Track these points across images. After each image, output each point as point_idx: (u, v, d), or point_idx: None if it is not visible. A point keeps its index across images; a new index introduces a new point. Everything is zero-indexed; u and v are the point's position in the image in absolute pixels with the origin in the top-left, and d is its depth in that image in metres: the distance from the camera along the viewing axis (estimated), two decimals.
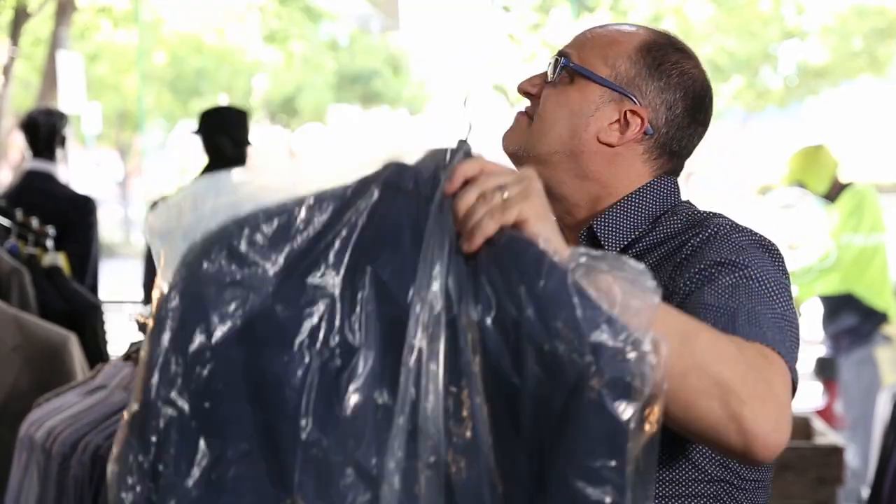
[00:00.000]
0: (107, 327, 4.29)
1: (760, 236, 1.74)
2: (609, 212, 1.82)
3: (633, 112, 1.81)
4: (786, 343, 1.57)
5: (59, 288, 4.02)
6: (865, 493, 4.93)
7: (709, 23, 21.72)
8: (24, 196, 4.95)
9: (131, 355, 2.82)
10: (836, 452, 4.55)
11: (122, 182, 26.25)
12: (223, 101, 24.25)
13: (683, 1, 21.76)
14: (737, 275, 1.64)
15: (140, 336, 2.89)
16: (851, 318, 6.07)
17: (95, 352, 3.88)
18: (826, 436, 4.75)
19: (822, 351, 6.13)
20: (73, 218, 4.94)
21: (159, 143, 28.84)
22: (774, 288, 1.64)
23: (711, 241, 1.71)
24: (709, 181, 25.92)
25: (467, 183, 1.30)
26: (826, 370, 6.31)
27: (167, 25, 21.19)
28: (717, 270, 1.65)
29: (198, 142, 5.01)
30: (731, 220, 1.77)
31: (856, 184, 5.99)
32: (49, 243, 4.14)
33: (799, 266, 5.90)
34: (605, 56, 1.83)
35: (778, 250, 1.74)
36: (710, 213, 1.83)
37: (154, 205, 5.08)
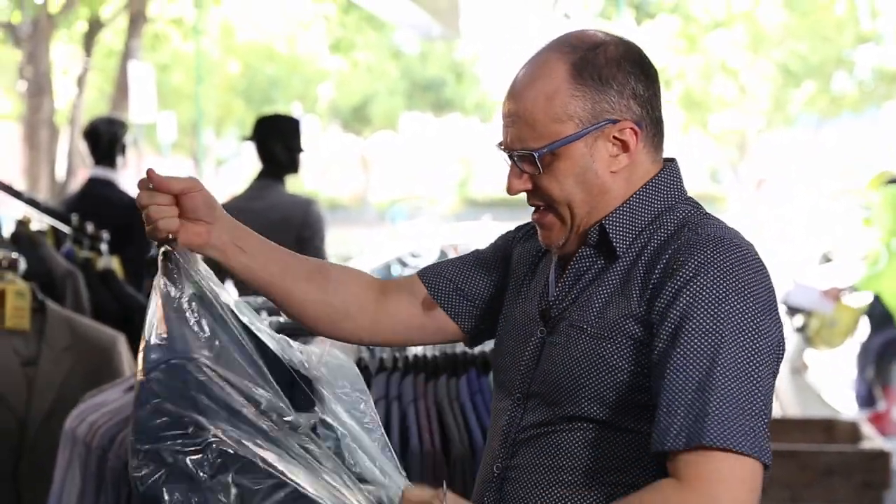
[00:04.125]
0: None
1: (746, 262, 1.76)
2: (619, 211, 1.87)
3: (620, 129, 1.83)
4: (754, 431, 1.65)
5: (113, 290, 4.15)
6: None
7: (781, 27, 21.51)
8: (84, 202, 5.11)
9: None
10: (882, 457, 4.55)
11: None
12: (296, 109, 24.54)
13: (755, 5, 21.54)
14: (712, 341, 1.69)
15: None
16: None
17: None
18: (873, 440, 4.75)
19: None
20: (132, 223, 5.06)
21: (233, 150, 29.27)
22: (751, 346, 1.70)
23: (696, 278, 1.73)
24: (782, 187, 25.68)
25: None
26: (883, 376, 6.27)
27: (240, 35, 21.48)
28: (696, 321, 1.71)
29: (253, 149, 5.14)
30: (718, 244, 1.77)
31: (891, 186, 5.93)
32: (103, 247, 4.27)
33: (865, 274, 5.89)
34: (555, 115, 1.82)
35: (759, 270, 1.77)
36: (704, 222, 1.83)
37: None
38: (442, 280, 2.10)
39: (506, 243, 2.13)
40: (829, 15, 21.54)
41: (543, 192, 1.86)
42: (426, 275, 2.12)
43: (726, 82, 22.46)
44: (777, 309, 1.79)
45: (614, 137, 1.84)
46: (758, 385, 1.69)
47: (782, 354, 1.80)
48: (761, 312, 1.73)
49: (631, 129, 1.84)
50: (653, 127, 1.87)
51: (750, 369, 1.69)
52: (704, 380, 1.67)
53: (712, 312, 1.71)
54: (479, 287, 2.10)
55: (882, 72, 22.68)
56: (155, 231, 1.83)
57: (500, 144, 1.90)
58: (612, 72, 1.82)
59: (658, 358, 1.73)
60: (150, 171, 1.85)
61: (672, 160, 1.95)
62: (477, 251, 2.17)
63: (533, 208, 1.92)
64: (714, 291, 1.72)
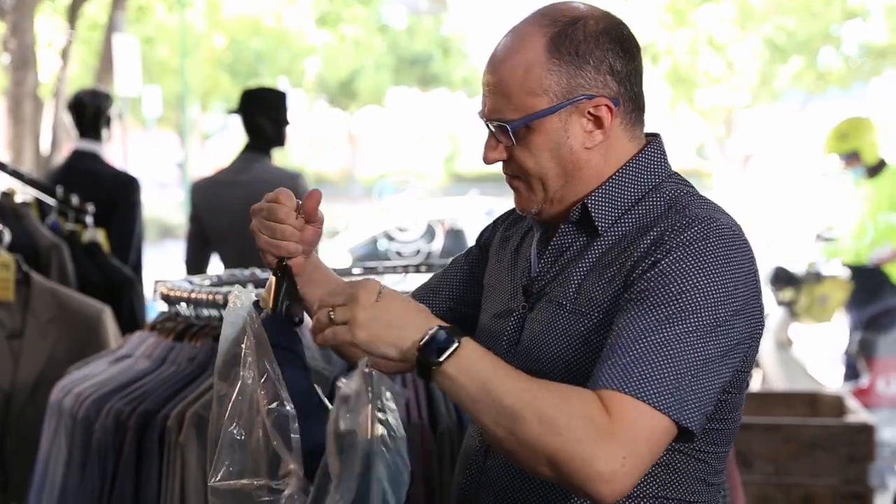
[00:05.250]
0: (145, 301, 4.41)
1: (722, 244, 1.75)
2: (602, 189, 1.87)
3: (595, 106, 1.83)
4: (680, 394, 1.66)
5: (98, 263, 4.14)
6: None
7: (768, 2, 21.47)
8: (70, 175, 5.09)
9: (156, 325, 2.92)
10: (866, 430, 4.57)
11: (182, 164, 26.57)
12: (282, 83, 24.44)
13: None
14: (670, 307, 1.69)
15: (165, 307, 2.99)
16: (892, 298, 6.07)
17: (132, 324, 3.99)
18: (857, 414, 4.77)
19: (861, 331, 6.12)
20: (117, 196, 5.07)
21: (219, 124, 29.16)
22: (704, 324, 1.70)
23: (675, 251, 1.74)
24: (769, 164, 25.68)
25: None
26: (868, 349, 6.30)
27: (226, 8, 21.36)
28: (653, 296, 1.71)
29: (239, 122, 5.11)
30: (703, 223, 1.77)
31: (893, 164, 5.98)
32: (89, 220, 4.26)
33: (841, 247, 5.89)
34: (530, 88, 1.82)
35: (742, 250, 1.77)
36: (692, 203, 1.83)
37: (195, 185, 5.19)
38: (438, 301, 2.14)
39: (485, 238, 2.15)
40: None
41: (518, 164, 1.88)
42: (422, 299, 2.14)
43: (714, 58, 22.43)
44: (756, 291, 1.79)
45: (589, 113, 1.84)
46: (702, 357, 1.69)
47: (751, 335, 1.78)
48: (732, 293, 1.73)
49: (606, 105, 1.84)
50: (631, 104, 1.87)
51: (700, 341, 1.69)
52: (649, 335, 1.68)
53: (681, 281, 1.71)
54: (474, 299, 2.11)
55: (869, 47, 22.64)
56: (277, 249, 1.90)
57: (480, 113, 1.91)
58: (590, 47, 1.82)
59: (620, 311, 1.73)
60: (316, 193, 1.93)
61: (655, 135, 1.95)
62: (463, 258, 2.18)
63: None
64: (689, 264, 1.72)
